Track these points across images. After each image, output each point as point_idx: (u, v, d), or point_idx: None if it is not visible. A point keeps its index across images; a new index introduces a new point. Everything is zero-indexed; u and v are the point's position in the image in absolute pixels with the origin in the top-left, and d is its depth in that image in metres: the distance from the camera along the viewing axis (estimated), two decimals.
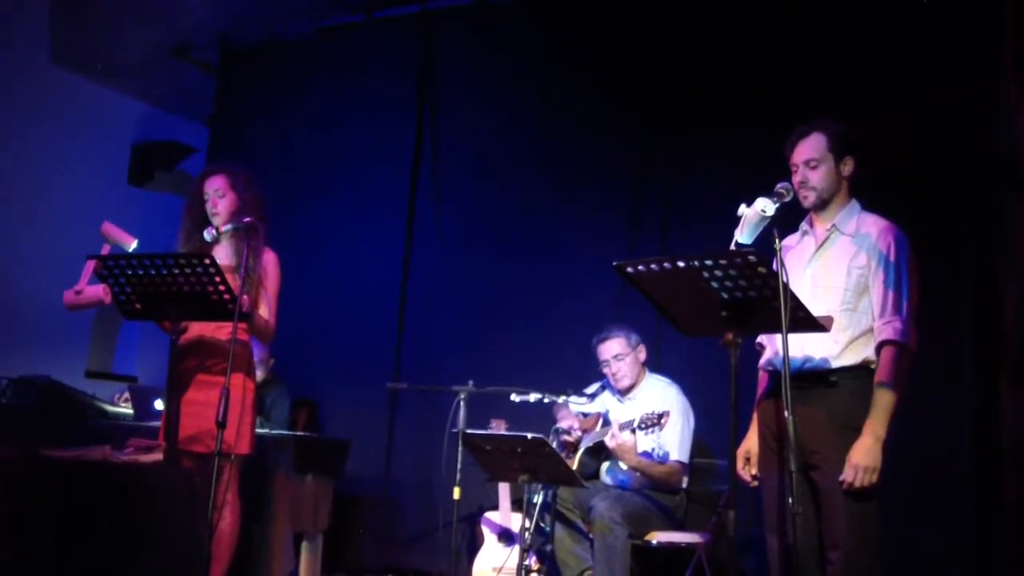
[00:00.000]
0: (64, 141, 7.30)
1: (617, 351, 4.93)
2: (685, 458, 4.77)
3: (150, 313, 3.77)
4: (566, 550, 4.89)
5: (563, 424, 5.00)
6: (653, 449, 4.75)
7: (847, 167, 3.47)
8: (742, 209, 3.17)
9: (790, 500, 2.97)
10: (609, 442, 4.58)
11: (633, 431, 4.47)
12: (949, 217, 4.63)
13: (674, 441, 4.74)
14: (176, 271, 3.51)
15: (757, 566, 4.34)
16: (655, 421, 4.36)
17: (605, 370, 4.98)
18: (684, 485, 4.82)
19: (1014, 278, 4.21)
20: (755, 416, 3.63)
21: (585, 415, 5.06)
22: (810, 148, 3.45)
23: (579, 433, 4.97)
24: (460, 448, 4.50)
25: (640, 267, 2.91)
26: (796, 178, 3.46)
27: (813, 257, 3.49)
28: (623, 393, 4.98)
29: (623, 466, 4.83)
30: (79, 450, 3.67)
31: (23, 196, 7.01)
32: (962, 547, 4.45)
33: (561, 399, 4.97)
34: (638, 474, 4.75)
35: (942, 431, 4.51)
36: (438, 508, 5.39)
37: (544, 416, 5.16)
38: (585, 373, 5.13)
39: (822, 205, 3.48)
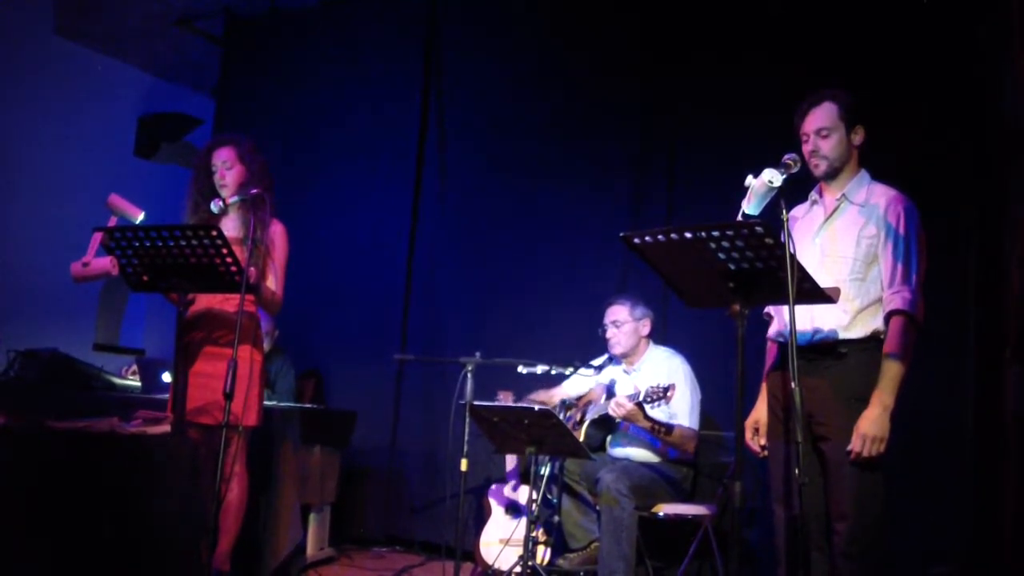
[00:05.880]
0: (69, 113, 7.30)
1: (616, 317, 4.93)
2: (696, 425, 4.77)
3: (157, 285, 3.75)
4: (573, 522, 4.91)
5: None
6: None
7: (857, 136, 3.45)
8: (749, 180, 3.15)
9: (796, 470, 2.97)
10: (615, 410, 4.56)
11: (639, 405, 4.45)
12: (954, 188, 4.59)
13: (684, 409, 4.74)
14: (183, 243, 3.50)
15: (761, 537, 4.35)
16: (661, 395, 4.30)
17: (604, 333, 4.98)
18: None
19: (1019, 250, 4.18)
20: (764, 386, 3.63)
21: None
22: (821, 117, 3.43)
23: (581, 404, 4.97)
24: (467, 420, 4.50)
25: (647, 238, 2.90)
26: (807, 147, 3.44)
27: (822, 227, 3.48)
28: (627, 363, 4.98)
29: (632, 433, 4.83)
30: (87, 421, 3.68)
31: (29, 168, 7.01)
32: (963, 520, 4.44)
33: (568, 371, 4.97)
34: (646, 444, 4.76)
35: (945, 404, 4.49)
36: (445, 480, 5.40)
37: (551, 388, 5.17)
38: (591, 345, 5.12)
39: (833, 174, 3.46)
